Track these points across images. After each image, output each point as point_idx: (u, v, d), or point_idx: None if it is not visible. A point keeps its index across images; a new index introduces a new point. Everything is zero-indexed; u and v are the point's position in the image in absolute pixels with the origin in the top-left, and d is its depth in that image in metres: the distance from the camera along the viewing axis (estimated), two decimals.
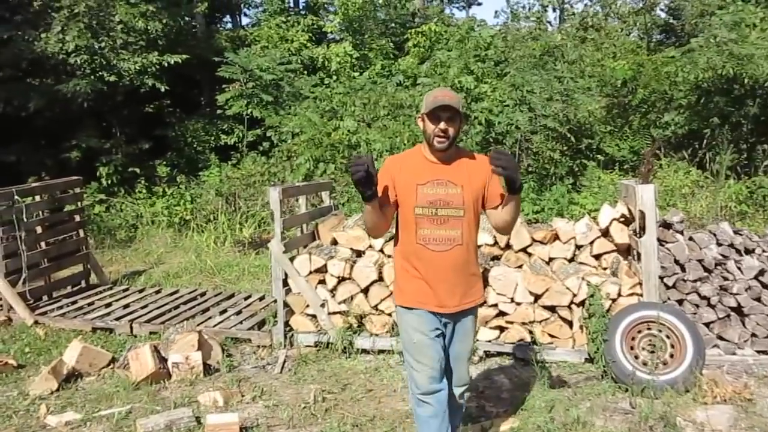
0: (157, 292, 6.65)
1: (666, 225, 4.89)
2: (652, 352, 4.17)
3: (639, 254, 4.51)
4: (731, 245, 4.84)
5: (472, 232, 2.92)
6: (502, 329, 4.78)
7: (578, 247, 4.93)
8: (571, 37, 11.64)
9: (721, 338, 4.54)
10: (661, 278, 4.58)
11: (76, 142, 11.24)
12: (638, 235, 4.57)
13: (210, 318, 5.67)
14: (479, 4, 32.39)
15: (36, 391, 4.34)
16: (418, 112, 3.16)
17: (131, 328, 5.52)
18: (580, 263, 4.84)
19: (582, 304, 4.60)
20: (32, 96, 10.59)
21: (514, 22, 14.52)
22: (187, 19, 13.52)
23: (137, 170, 11.25)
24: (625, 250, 4.84)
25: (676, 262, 4.71)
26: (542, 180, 9.09)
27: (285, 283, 5.15)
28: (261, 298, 6.26)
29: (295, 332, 5.09)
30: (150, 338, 5.27)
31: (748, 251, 4.86)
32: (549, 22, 15.01)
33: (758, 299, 4.57)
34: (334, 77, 11.95)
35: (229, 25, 17.66)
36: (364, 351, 4.90)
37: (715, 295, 4.59)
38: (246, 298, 6.30)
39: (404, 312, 2.97)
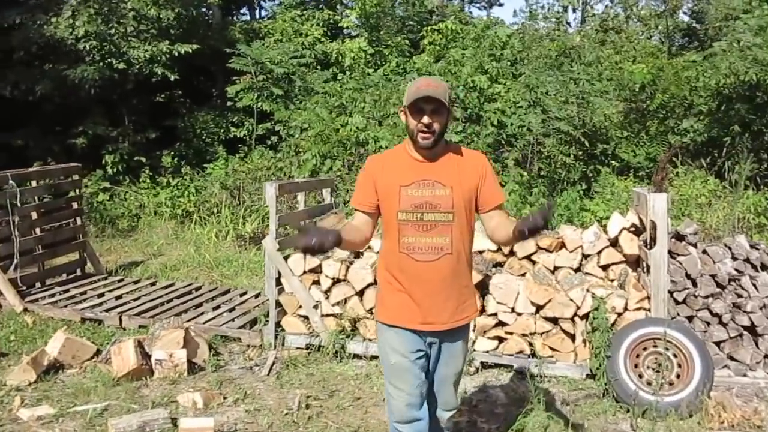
0: (152, 284, 6.51)
1: (679, 236, 4.64)
2: (658, 371, 3.94)
3: (648, 266, 4.27)
4: (747, 260, 4.59)
5: (464, 239, 2.61)
6: (500, 340, 4.56)
7: (585, 256, 4.67)
8: (590, 39, 11.34)
9: (732, 358, 4.29)
10: (671, 293, 4.33)
11: (83, 128, 11.15)
12: (648, 247, 4.32)
13: (202, 314, 5.52)
14: (501, 4, 32.02)
15: (13, 381, 4.22)
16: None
17: (120, 320, 5.38)
18: (587, 274, 4.59)
19: (586, 317, 4.37)
20: (40, 81, 10.51)
21: (531, 21, 14.22)
22: (202, 9, 13.37)
23: (143, 159, 11.13)
24: (635, 262, 4.59)
25: (688, 276, 4.46)
26: (553, 185, 8.82)
27: (278, 282, 4.98)
28: (256, 296, 6.07)
29: (286, 333, 4.91)
30: (139, 332, 5.14)
31: (765, 267, 4.61)
32: (568, 23, 14.74)
33: None
34: (348, 73, 11.75)
35: (246, 17, 17.54)
36: (357, 356, 4.71)
37: (728, 313, 4.32)
38: (242, 295, 6.13)
39: (384, 329, 2.67)
